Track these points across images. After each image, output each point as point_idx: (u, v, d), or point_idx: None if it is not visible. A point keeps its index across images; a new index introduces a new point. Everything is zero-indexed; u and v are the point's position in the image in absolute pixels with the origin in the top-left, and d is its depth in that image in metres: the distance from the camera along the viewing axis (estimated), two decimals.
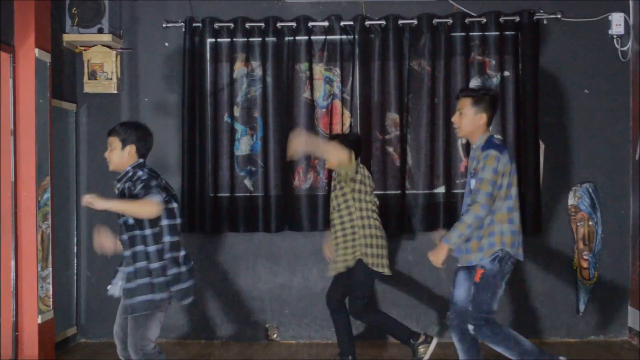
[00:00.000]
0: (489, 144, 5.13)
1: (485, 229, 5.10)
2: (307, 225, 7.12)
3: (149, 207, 4.75)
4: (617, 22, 7.10)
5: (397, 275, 7.22)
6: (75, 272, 7.32)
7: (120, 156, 5.04)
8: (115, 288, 5.08)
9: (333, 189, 6.14)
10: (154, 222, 4.86)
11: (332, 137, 6.29)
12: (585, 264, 7.17)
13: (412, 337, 6.15)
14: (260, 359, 6.75)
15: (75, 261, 7.32)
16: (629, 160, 7.18)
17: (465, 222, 5.03)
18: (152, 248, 4.86)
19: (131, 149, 5.03)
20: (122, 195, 4.94)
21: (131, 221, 4.86)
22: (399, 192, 7.03)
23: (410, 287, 7.26)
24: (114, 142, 5.05)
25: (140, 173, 4.95)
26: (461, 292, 5.29)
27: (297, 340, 7.31)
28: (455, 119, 5.30)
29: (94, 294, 7.36)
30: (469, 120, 5.21)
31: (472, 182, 5.12)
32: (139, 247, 4.85)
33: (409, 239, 7.21)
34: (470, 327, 5.14)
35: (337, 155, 5.96)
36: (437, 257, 5.21)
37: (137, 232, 4.87)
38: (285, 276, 7.32)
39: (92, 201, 4.79)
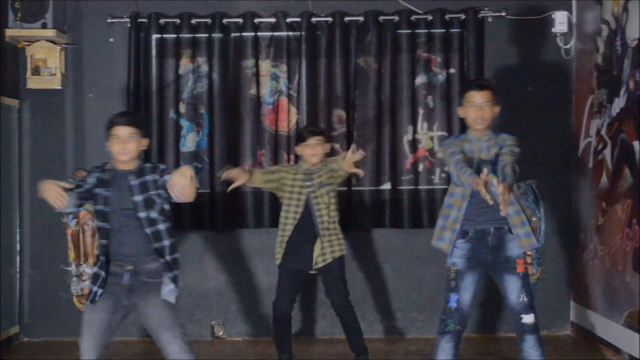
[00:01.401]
0: (499, 131, 5.29)
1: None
2: (254, 222, 7.10)
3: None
4: (560, 20, 7.18)
5: None
6: (18, 270, 7.23)
7: (137, 148, 4.80)
8: (170, 293, 4.79)
9: (320, 186, 5.97)
10: (169, 217, 4.82)
11: (319, 132, 6.12)
12: (529, 260, 7.24)
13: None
14: (206, 357, 6.72)
15: (18, 259, 7.22)
16: (572, 156, 7.28)
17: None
18: (172, 241, 4.81)
19: (145, 142, 4.88)
20: (145, 189, 4.74)
21: (154, 215, 4.73)
22: (345, 188, 7.04)
23: (356, 283, 7.26)
24: (135, 133, 4.78)
25: (154, 164, 4.90)
26: (467, 296, 5.12)
27: (244, 337, 7.30)
28: (477, 111, 5.12)
29: (38, 293, 7.27)
30: (492, 113, 5.18)
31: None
32: (166, 242, 4.77)
33: (353, 235, 7.22)
34: (533, 319, 5.11)
35: (323, 151, 6.00)
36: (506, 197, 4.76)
37: (161, 227, 4.76)
38: (231, 273, 7.30)
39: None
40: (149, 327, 4.82)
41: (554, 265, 7.30)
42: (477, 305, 6.88)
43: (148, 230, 4.74)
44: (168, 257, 4.78)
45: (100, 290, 4.73)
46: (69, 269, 7.10)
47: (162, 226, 4.78)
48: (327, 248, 5.97)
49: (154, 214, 4.74)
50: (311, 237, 5.96)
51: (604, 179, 6.59)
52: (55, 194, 4.65)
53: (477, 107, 5.13)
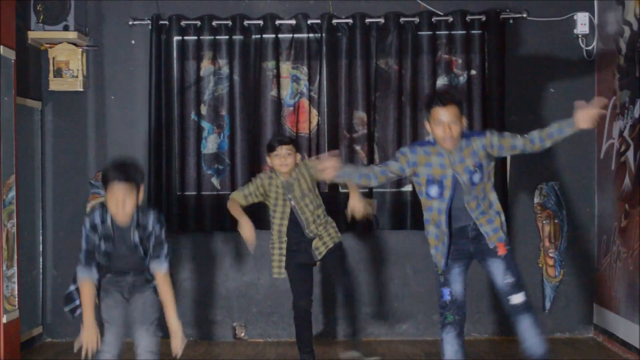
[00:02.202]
0: (469, 133, 5.18)
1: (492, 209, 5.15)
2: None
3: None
4: (582, 22, 7.16)
5: (363, 273, 7.25)
6: (41, 271, 7.27)
7: (134, 205, 4.76)
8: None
9: (303, 195, 6.02)
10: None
11: (288, 142, 6.10)
12: (551, 262, 7.23)
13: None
14: (228, 357, 6.73)
15: (40, 260, 7.27)
16: (594, 158, 7.24)
17: None
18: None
19: (141, 194, 4.84)
20: (143, 235, 4.86)
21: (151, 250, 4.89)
22: (366, 190, 7.03)
23: (377, 286, 7.28)
24: (131, 189, 4.71)
25: (143, 216, 4.89)
26: (458, 286, 5.16)
27: (265, 338, 7.30)
28: (445, 130, 4.93)
29: (60, 294, 7.23)
30: (461, 128, 5.00)
31: (476, 176, 5.03)
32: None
33: (375, 237, 7.23)
34: (522, 298, 5.06)
35: (294, 160, 6.04)
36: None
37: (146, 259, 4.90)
38: (252, 274, 7.31)
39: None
40: (132, 318, 4.92)
41: (576, 267, 7.26)
42: (496, 307, 6.84)
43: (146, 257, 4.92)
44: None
45: (79, 311, 4.92)
46: None
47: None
48: (326, 237, 6.07)
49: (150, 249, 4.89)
50: (301, 240, 6.05)
51: (627, 181, 6.55)
52: (93, 340, 4.80)
53: (445, 125, 4.95)
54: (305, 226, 6.02)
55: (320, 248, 6.04)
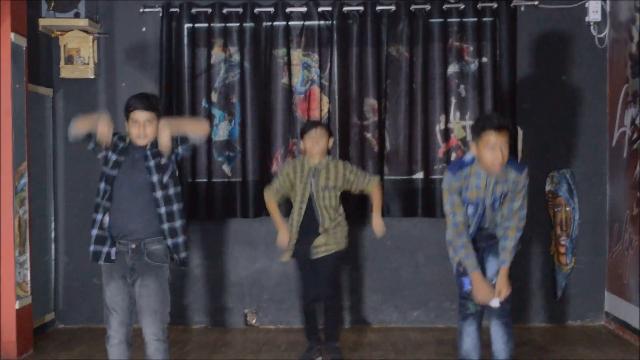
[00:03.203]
0: (517, 164, 5.14)
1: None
2: (285, 211, 7.10)
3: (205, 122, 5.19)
4: (593, 9, 7.12)
5: (375, 261, 7.26)
6: (53, 257, 7.30)
7: (155, 132, 4.98)
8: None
9: (326, 188, 6.07)
10: (178, 181, 5.04)
11: (321, 125, 6.25)
12: (562, 250, 7.22)
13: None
14: (240, 344, 6.75)
15: (53, 247, 7.30)
16: (606, 146, 7.22)
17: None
18: (181, 206, 5.02)
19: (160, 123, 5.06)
20: (159, 168, 4.95)
21: (165, 179, 4.93)
22: (377, 177, 7.03)
23: (388, 273, 7.29)
24: (153, 117, 4.97)
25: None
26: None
27: (276, 325, 7.32)
28: (497, 156, 4.84)
29: (72, 280, 7.34)
30: (508, 152, 4.91)
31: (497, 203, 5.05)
32: (175, 206, 4.98)
33: (387, 224, 7.20)
34: (504, 323, 5.13)
35: (326, 144, 6.12)
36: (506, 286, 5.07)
37: (172, 191, 4.96)
38: (264, 261, 7.32)
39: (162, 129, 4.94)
40: (138, 306, 4.97)
41: (588, 255, 7.26)
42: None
43: (162, 210, 4.93)
44: (180, 239, 5.00)
45: (114, 250, 4.93)
46: None
47: (175, 206, 4.98)
48: (331, 240, 6.07)
49: (166, 178, 4.95)
50: (315, 229, 6.07)
51: (639, 169, 6.53)
52: (107, 127, 4.90)
53: (497, 151, 4.85)
54: (319, 215, 6.04)
55: (320, 248, 6.04)
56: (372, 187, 6.17)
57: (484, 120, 5.00)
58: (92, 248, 4.94)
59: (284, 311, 7.31)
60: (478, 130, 4.91)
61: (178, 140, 4.98)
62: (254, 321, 7.31)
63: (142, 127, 4.94)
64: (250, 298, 7.33)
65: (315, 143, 6.04)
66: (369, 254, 7.25)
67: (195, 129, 5.08)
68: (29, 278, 6.52)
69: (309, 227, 6.06)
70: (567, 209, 7.21)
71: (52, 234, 7.30)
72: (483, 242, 5.20)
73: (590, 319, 7.29)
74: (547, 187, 7.22)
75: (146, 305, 4.91)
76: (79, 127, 4.95)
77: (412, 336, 6.94)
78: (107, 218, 4.91)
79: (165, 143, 4.90)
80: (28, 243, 6.52)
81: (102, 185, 4.95)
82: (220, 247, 7.30)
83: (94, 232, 4.94)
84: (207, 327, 7.30)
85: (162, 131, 4.91)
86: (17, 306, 6.30)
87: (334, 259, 6.10)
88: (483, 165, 4.92)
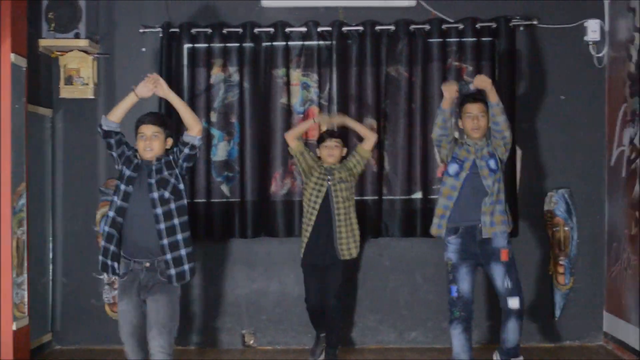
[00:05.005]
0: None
1: (499, 206, 5.85)
2: (284, 232, 7.12)
3: (200, 123, 5.33)
4: (592, 29, 7.14)
5: (373, 281, 7.25)
6: (51, 278, 7.28)
7: (161, 147, 5.26)
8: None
9: (340, 181, 6.42)
10: (182, 195, 5.24)
11: (337, 135, 6.63)
12: (561, 269, 7.21)
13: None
14: None
15: (50, 268, 7.28)
16: (604, 166, 7.23)
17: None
18: (184, 219, 5.22)
19: (170, 141, 5.36)
20: (163, 181, 5.17)
21: (167, 195, 5.12)
22: (375, 197, 7.05)
23: (387, 292, 7.27)
24: (160, 132, 5.26)
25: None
26: (466, 285, 5.80)
27: (274, 346, 7.29)
28: (474, 122, 5.90)
29: (70, 301, 7.32)
30: (487, 122, 5.90)
31: (492, 162, 5.87)
32: (177, 220, 5.14)
33: (385, 244, 7.23)
34: (517, 304, 5.77)
35: (340, 153, 6.58)
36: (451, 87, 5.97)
37: (173, 205, 5.13)
38: (262, 282, 7.31)
39: (157, 81, 5.24)
40: (147, 320, 5.16)
41: (586, 274, 7.25)
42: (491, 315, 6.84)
43: (161, 226, 5.09)
44: (182, 251, 5.18)
45: (116, 264, 5.16)
46: (100, 277, 7.17)
47: (176, 220, 5.15)
48: (352, 244, 6.43)
49: (167, 194, 5.13)
50: (328, 229, 6.36)
51: (637, 188, 6.53)
52: (151, 85, 5.30)
53: (475, 118, 5.91)
54: (334, 207, 6.33)
55: (343, 246, 6.39)
56: (363, 145, 6.62)
57: (464, 96, 6.20)
58: (101, 258, 5.21)
59: (281, 332, 7.29)
60: (459, 105, 6.05)
61: (179, 142, 5.24)
62: (251, 342, 7.29)
63: (149, 140, 5.21)
64: (248, 319, 7.31)
65: (331, 153, 6.49)
66: (367, 274, 7.23)
67: (190, 118, 5.32)
68: (26, 299, 6.50)
69: (323, 230, 6.37)
70: (566, 228, 7.21)
71: (50, 255, 7.28)
72: (478, 249, 5.81)
73: (588, 339, 7.27)
74: (546, 207, 7.21)
75: (155, 319, 5.10)
76: (115, 114, 5.25)
77: (409, 356, 6.92)
78: (115, 233, 5.12)
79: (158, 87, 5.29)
80: (26, 264, 6.51)
81: (117, 200, 5.15)
82: (219, 267, 7.28)
83: (103, 243, 5.19)
84: (205, 347, 7.26)
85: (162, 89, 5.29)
86: (14, 327, 6.28)
87: (343, 271, 6.43)
88: (466, 132, 5.97)
